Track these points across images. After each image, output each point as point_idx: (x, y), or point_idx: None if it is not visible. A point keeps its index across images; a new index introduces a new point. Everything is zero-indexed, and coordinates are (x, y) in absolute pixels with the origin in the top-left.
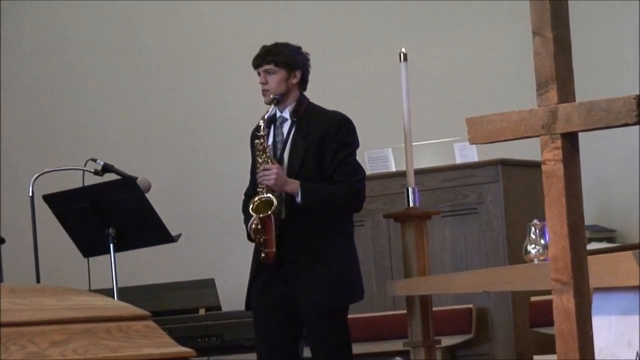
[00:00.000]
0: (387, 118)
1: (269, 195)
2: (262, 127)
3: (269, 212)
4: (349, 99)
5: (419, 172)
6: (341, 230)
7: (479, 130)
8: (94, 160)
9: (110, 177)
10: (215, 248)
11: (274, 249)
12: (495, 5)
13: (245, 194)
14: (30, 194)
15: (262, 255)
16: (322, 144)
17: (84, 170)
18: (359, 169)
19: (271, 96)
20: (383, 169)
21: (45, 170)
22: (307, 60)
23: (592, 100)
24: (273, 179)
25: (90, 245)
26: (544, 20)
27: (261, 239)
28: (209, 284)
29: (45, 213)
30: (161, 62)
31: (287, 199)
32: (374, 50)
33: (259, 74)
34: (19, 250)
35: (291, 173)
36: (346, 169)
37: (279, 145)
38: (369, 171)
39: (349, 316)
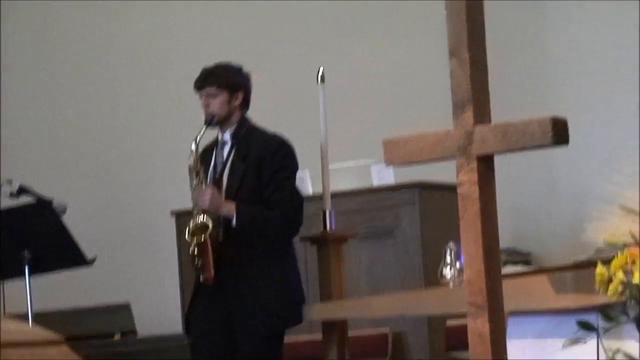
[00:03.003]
0: (304, 140)
1: (205, 219)
2: (193, 149)
3: (205, 237)
4: (266, 120)
5: (335, 195)
6: (280, 254)
7: (396, 152)
8: (9, 181)
9: (25, 199)
10: (131, 272)
11: (212, 273)
12: (413, 27)
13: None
14: None
15: (201, 278)
16: (260, 166)
17: None
18: (296, 193)
19: (204, 118)
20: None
21: None
22: (249, 80)
23: (508, 122)
24: (207, 201)
25: (5, 268)
26: (460, 42)
27: (199, 264)
28: (125, 308)
29: None
30: (84, 80)
31: (224, 221)
32: (291, 71)
33: (201, 97)
34: None
35: (229, 195)
36: (283, 192)
37: (219, 167)
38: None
39: None
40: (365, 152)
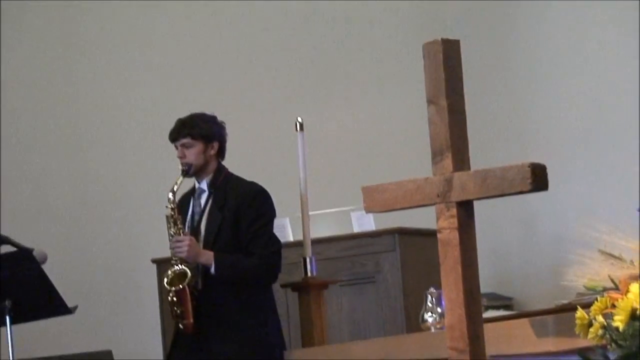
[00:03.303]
0: (284, 187)
1: (183, 267)
2: (170, 199)
3: (184, 285)
4: (246, 168)
5: (316, 242)
6: (258, 301)
7: (375, 199)
8: None
9: (6, 248)
10: (113, 318)
11: (192, 320)
12: (391, 76)
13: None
14: None
15: (180, 326)
16: (238, 215)
17: None
18: (274, 240)
19: (180, 168)
20: (281, 238)
21: None
22: (224, 129)
23: (487, 169)
24: (185, 250)
25: None
26: (438, 89)
27: (178, 311)
28: (106, 355)
29: None
30: (65, 122)
31: (203, 269)
32: (270, 120)
33: (177, 147)
34: None
35: (207, 244)
36: (261, 240)
37: (197, 217)
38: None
39: None
40: (345, 199)
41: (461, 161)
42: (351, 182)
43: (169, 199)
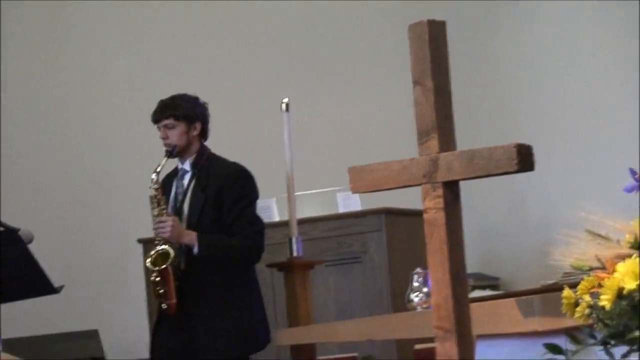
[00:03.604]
0: (271, 168)
1: (166, 247)
2: (154, 179)
3: (167, 265)
4: (232, 149)
5: (302, 222)
6: (241, 281)
7: (361, 180)
8: None
9: None
10: (99, 298)
11: (174, 300)
12: (378, 55)
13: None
14: None
15: (164, 306)
16: (220, 195)
17: None
18: (257, 220)
19: (165, 149)
20: (267, 219)
21: None
22: (206, 109)
23: (473, 149)
24: (169, 231)
25: None
26: (424, 70)
27: (161, 291)
28: (93, 334)
29: None
30: (50, 105)
31: (185, 249)
32: (257, 100)
33: (159, 129)
34: None
35: (190, 224)
36: (243, 220)
37: (180, 197)
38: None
39: None
40: (331, 180)
41: (447, 142)
42: (337, 163)
43: (152, 179)
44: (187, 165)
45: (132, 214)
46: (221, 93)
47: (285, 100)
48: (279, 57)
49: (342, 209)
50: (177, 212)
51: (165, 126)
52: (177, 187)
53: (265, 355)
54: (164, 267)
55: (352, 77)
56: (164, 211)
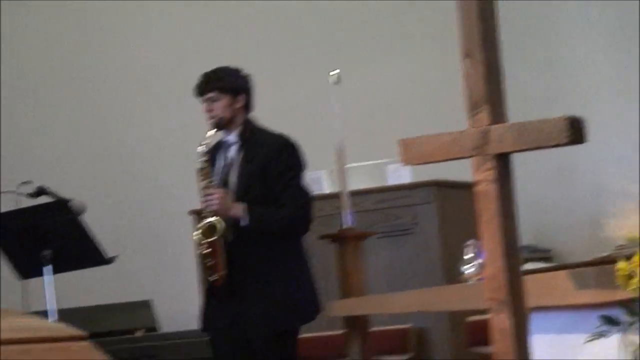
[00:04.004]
0: (321, 140)
1: (215, 219)
2: (200, 152)
3: (215, 237)
4: (283, 121)
5: (353, 194)
6: (290, 252)
7: (412, 152)
8: (28, 182)
9: (44, 199)
10: (152, 269)
11: (223, 273)
12: (428, 27)
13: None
14: None
15: (213, 279)
16: (267, 166)
17: (17, 193)
18: (304, 191)
19: (211, 122)
20: (317, 191)
21: None
22: (249, 82)
23: (524, 122)
24: (217, 203)
25: (27, 267)
26: (473, 43)
27: (210, 263)
28: (146, 305)
29: None
30: (99, 82)
31: (234, 221)
32: (307, 73)
33: (203, 102)
34: None
35: (237, 196)
36: (291, 191)
37: (226, 169)
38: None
39: None
40: (382, 152)
41: (498, 114)
42: (387, 135)
43: (199, 152)
44: (232, 138)
45: (183, 186)
46: (271, 65)
47: (336, 71)
48: (329, 28)
49: (391, 181)
50: (224, 184)
51: (209, 99)
52: (223, 160)
53: (317, 326)
54: (213, 240)
55: (402, 48)
56: (212, 184)
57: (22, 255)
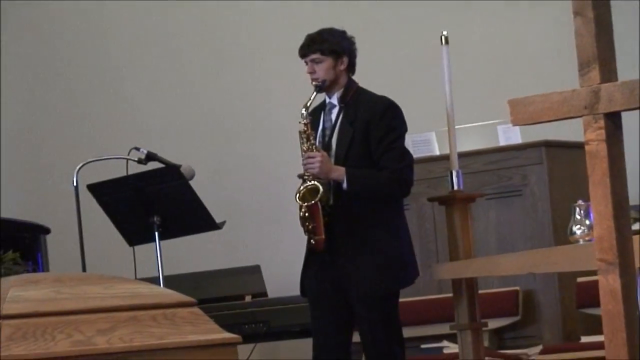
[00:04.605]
0: (430, 102)
1: (315, 182)
2: (303, 114)
3: (316, 200)
4: (391, 83)
5: (462, 155)
6: (390, 215)
7: (521, 112)
8: (138, 149)
9: (154, 165)
10: (260, 235)
11: (323, 236)
12: None
13: (299, 177)
14: (75, 184)
15: (312, 242)
16: (369, 129)
17: (127, 159)
18: (406, 154)
19: (314, 84)
20: (426, 152)
21: (89, 160)
22: (353, 44)
23: (635, 80)
24: (317, 167)
25: (136, 233)
26: (584, 1)
27: (310, 227)
28: (255, 270)
29: (90, 203)
30: (202, 51)
31: (334, 185)
32: (415, 34)
33: (307, 63)
34: (64, 240)
35: (338, 159)
36: (392, 154)
37: (328, 132)
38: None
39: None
40: (491, 113)
41: (608, 72)
42: (496, 95)
43: (302, 114)
44: (334, 100)
45: (291, 149)
46: (379, 27)
47: (444, 32)
48: None
49: (502, 142)
50: (326, 147)
51: (313, 60)
52: (324, 122)
53: (426, 289)
54: (313, 203)
55: (511, 7)
56: (313, 146)
57: (131, 221)
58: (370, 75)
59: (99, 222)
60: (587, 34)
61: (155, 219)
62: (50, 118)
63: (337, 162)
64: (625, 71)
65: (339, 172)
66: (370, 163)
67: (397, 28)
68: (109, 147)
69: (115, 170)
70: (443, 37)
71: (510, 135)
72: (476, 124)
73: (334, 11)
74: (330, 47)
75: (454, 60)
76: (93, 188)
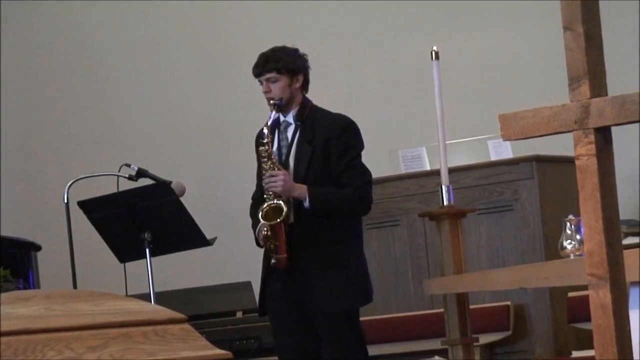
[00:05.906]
0: (421, 117)
1: (278, 201)
2: (265, 133)
3: (280, 219)
4: (382, 98)
5: (453, 170)
6: (351, 233)
7: (512, 127)
8: (128, 165)
9: (144, 182)
10: (251, 251)
11: (286, 255)
12: (527, 3)
13: (253, 198)
14: (65, 201)
15: (273, 261)
16: (327, 147)
17: (118, 176)
18: (365, 171)
19: (272, 102)
20: (417, 168)
21: (80, 177)
22: (306, 61)
23: (625, 94)
24: (280, 185)
25: (126, 250)
26: (574, 15)
27: (272, 246)
28: (246, 286)
29: (80, 219)
30: (191, 65)
31: (295, 203)
32: (405, 49)
33: (261, 83)
34: (55, 256)
35: (297, 177)
36: (353, 171)
37: (284, 150)
38: (403, 170)
39: (388, 316)
40: (481, 129)
41: (598, 87)
42: (487, 110)
43: (263, 133)
44: (290, 118)
45: None
46: (369, 42)
47: (435, 47)
48: (426, 2)
49: (493, 157)
50: (283, 165)
51: (268, 80)
52: (280, 141)
53: (417, 305)
54: (277, 222)
55: (501, 22)
56: (275, 165)
57: (122, 238)
58: (361, 92)
59: (89, 239)
60: (577, 48)
61: (146, 235)
62: (40, 135)
63: (296, 180)
64: (626, 72)
65: (301, 190)
66: (329, 180)
67: (387, 43)
68: (99, 164)
69: (106, 187)
70: (433, 53)
71: (501, 150)
72: (467, 139)
73: (324, 26)
74: (285, 65)
75: (444, 75)
76: (84, 205)
